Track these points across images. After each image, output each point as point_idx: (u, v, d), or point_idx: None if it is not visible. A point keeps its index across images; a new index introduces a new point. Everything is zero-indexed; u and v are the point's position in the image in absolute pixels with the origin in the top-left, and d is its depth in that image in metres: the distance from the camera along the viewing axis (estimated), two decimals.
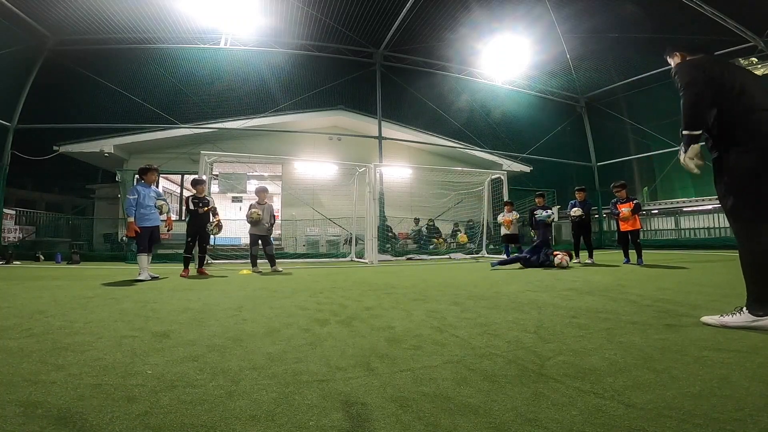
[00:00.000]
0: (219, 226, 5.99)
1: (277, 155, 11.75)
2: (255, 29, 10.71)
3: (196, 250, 5.87)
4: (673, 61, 2.42)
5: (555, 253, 6.15)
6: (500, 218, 8.95)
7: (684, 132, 2.08)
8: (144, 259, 5.04)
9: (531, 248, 6.40)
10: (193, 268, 5.82)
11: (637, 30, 10.28)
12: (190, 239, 5.74)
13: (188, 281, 4.76)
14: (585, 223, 7.39)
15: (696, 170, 2.10)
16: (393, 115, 13.05)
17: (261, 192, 6.52)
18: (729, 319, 1.95)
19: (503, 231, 8.96)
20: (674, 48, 2.37)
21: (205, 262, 6.16)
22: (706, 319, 2.06)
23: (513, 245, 8.93)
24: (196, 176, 7.00)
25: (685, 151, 2.10)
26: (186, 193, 13.85)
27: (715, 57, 2.26)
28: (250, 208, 6.33)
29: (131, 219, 5.02)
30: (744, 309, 1.95)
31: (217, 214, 6.08)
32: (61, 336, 1.95)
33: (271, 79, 11.76)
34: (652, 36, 10.39)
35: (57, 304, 2.96)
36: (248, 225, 6.33)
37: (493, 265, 6.33)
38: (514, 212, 8.81)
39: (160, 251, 8.40)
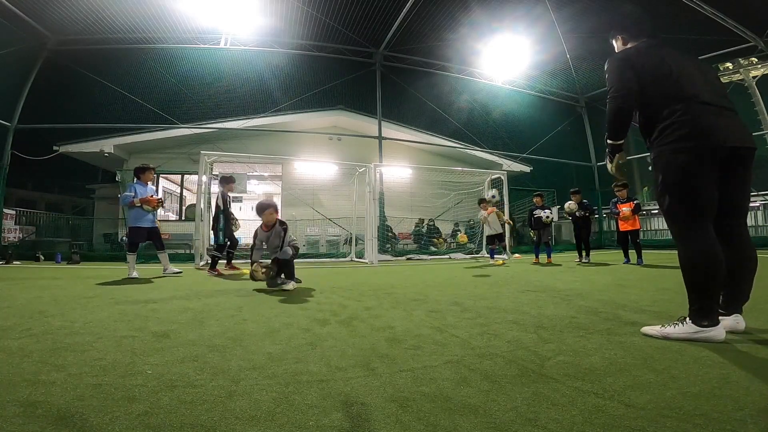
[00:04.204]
0: (237, 226, 6.03)
1: (277, 155, 11.76)
2: (255, 29, 10.70)
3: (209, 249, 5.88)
4: (616, 46, 2.24)
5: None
6: (480, 215, 8.15)
7: (608, 141, 2.01)
8: (133, 258, 5.17)
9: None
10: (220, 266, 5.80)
11: None
12: (228, 240, 5.68)
13: (188, 281, 4.75)
14: (585, 224, 7.51)
15: (624, 177, 2.13)
16: (393, 115, 13.04)
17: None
18: (671, 330, 1.80)
19: (486, 231, 8.41)
20: (616, 30, 2.18)
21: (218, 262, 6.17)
22: (646, 329, 1.90)
23: (497, 245, 8.29)
24: (231, 173, 6.83)
25: (611, 161, 2.04)
26: (186, 193, 13.87)
27: (652, 42, 2.06)
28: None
29: (134, 201, 5.12)
30: (687, 319, 1.79)
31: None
32: (61, 336, 1.94)
33: (271, 79, 11.75)
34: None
35: (57, 304, 2.96)
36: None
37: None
38: (490, 208, 8.19)
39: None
